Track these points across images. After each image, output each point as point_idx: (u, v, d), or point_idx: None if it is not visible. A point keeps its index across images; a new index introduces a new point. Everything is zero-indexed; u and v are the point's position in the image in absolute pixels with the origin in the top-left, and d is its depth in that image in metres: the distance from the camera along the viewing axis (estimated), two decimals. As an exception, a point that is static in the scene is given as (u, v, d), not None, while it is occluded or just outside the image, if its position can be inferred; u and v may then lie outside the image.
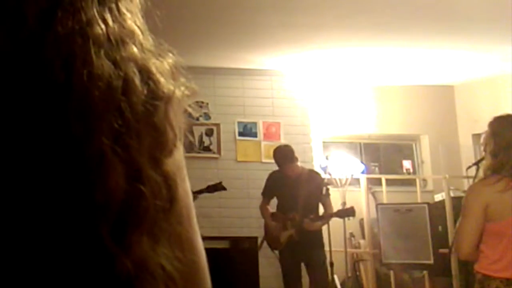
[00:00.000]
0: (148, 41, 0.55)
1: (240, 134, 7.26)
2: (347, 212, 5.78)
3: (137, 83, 0.50)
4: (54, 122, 0.45)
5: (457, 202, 5.88)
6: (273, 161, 7.18)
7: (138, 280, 0.48)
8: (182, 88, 0.57)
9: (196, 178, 6.92)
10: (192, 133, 7.12)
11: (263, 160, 7.20)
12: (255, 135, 7.27)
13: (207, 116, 7.22)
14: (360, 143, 8.11)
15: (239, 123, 7.26)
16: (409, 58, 7.00)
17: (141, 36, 0.54)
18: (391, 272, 6.72)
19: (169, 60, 0.56)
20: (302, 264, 5.75)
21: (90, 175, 0.45)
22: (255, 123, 7.29)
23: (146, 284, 0.48)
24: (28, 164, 0.44)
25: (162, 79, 0.53)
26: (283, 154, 5.87)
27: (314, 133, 7.34)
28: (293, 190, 5.52)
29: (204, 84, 7.25)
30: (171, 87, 0.54)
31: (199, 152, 7.11)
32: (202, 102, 7.23)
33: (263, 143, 7.26)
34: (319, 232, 5.70)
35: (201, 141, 7.15)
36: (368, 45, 6.53)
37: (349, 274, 6.83)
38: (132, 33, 0.53)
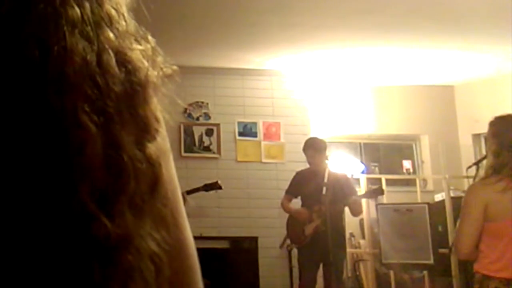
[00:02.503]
0: (126, 25, 0.56)
1: (240, 134, 7.26)
2: (376, 192, 5.86)
3: (113, 64, 0.51)
4: (32, 96, 0.46)
5: (457, 202, 5.88)
6: (273, 161, 7.21)
7: (122, 251, 0.48)
8: (161, 72, 0.57)
9: (196, 178, 6.91)
10: (191, 132, 7.14)
11: (263, 160, 7.21)
12: (255, 135, 7.27)
13: (207, 116, 7.22)
14: (360, 143, 8.11)
15: (239, 123, 7.26)
16: (409, 58, 7.00)
17: (118, 21, 0.55)
18: (391, 272, 6.72)
19: (147, 44, 0.57)
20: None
21: (67, 140, 0.47)
22: (255, 123, 7.29)
23: (131, 256, 0.49)
24: (7, 136, 0.45)
25: (139, 64, 0.54)
26: (317, 144, 5.86)
27: (314, 133, 7.34)
28: (319, 186, 5.49)
29: (204, 84, 7.26)
30: (149, 72, 0.55)
31: (199, 152, 7.11)
32: (202, 102, 7.23)
33: (263, 143, 7.26)
34: (343, 232, 5.74)
35: (201, 141, 7.15)
36: (368, 45, 6.53)
37: (349, 274, 6.83)
38: (109, 17, 0.54)
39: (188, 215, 0.61)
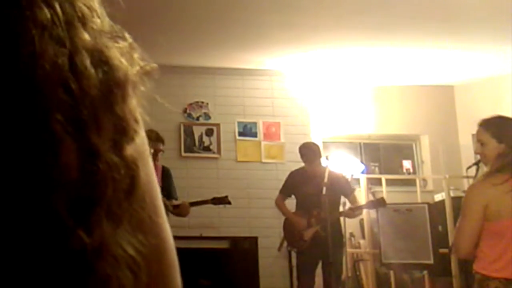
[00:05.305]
0: (102, 23, 0.54)
1: (240, 134, 7.26)
2: (379, 203, 5.88)
3: (87, 65, 0.49)
4: (3, 106, 0.45)
5: (457, 202, 5.88)
6: (273, 161, 7.21)
7: (99, 261, 0.47)
8: (139, 69, 0.55)
9: (196, 178, 6.92)
10: (191, 132, 7.14)
11: (263, 160, 7.21)
12: (255, 135, 7.27)
13: (207, 116, 7.22)
14: (360, 143, 8.11)
15: (239, 123, 7.26)
16: (409, 58, 7.00)
17: (92, 19, 0.53)
18: (391, 272, 6.72)
19: (125, 42, 0.55)
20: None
21: (40, 152, 0.45)
22: (255, 123, 7.29)
23: (107, 265, 0.48)
24: None
25: (117, 62, 0.52)
26: (313, 150, 5.89)
27: (314, 133, 7.35)
28: (316, 188, 5.50)
29: (204, 84, 7.26)
30: (128, 70, 0.53)
31: (199, 152, 7.11)
32: (202, 102, 7.23)
33: (263, 143, 7.26)
34: (342, 231, 5.78)
35: (201, 141, 7.15)
36: (368, 45, 6.53)
37: (349, 274, 6.83)
38: (82, 16, 0.52)
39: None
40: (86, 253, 0.46)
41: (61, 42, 0.48)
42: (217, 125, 7.20)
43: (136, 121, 0.54)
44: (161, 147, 5.70)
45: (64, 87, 0.47)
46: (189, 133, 7.13)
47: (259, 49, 6.71)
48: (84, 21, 0.52)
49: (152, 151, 5.47)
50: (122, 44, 0.55)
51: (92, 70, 0.50)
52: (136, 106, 0.54)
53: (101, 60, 0.51)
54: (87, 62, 0.50)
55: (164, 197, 6.02)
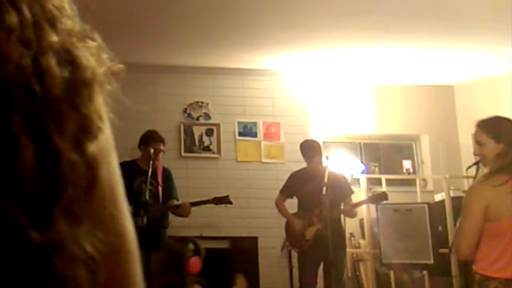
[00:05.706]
0: (71, 24, 0.55)
1: (240, 134, 7.26)
2: (380, 197, 5.87)
3: (52, 65, 0.50)
4: None
5: (457, 202, 5.89)
6: (273, 161, 7.21)
7: (56, 261, 0.48)
8: (106, 69, 0.56)
9: (196, 178, 6.92)
10: (191, 132, 7.14)
11: (263, 160, 7.21)
12: (255, 135, 7.27)
13: (207, 116, 7.22)
14: (360, 143, 8.11)
15: (239, 123, 7.26)
16: (409, 58, 7.00)
17: (62, 19, 0.54)
18: (391, 272, 6.72)
19: (93, 42, 0.56)
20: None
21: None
22: (255, 123, 7.29)
23: (64, 264, 0.48)
24: None
25: (84, 61, 0.53)
26: (313, 147, 5.90)
27: (314, 133, 7.34)
28: (317, 188, 5.49)
29: (204, 84, 7.26)
30: (94, 69, 0.54)
31: (199, 152, 7.11)
32: (202, 102, 7.23)
33: (263, 143, 7.26)
34: (343, 232, 5.78)
35: (201, 141, 7.15)
36: (368, 45, 6.53)
37: (349, 274, 6.83)
38: (51, 17, 0.53)
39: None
40: (43, 254, 0.47)
41: (28, 44, 0.49)
42: (217, 125, 7.20)
43: (101, 119, 0.54)
44: (162, 147, 5.70)
45: (25, 87, 0.48)
46: (189, 133, 7.13)
47: (259, 49, 6.71)
48: (52, 22, 0.52)
49: (152, 151, 5.48)
50: (91, 44, 0.56)
51: (57, 70, 0.50)
52: (102, 104, 0.55)
53: (68, 60, 0.52)
54: (52, 62, 0.50)
55: (166, 198, 5.96)
